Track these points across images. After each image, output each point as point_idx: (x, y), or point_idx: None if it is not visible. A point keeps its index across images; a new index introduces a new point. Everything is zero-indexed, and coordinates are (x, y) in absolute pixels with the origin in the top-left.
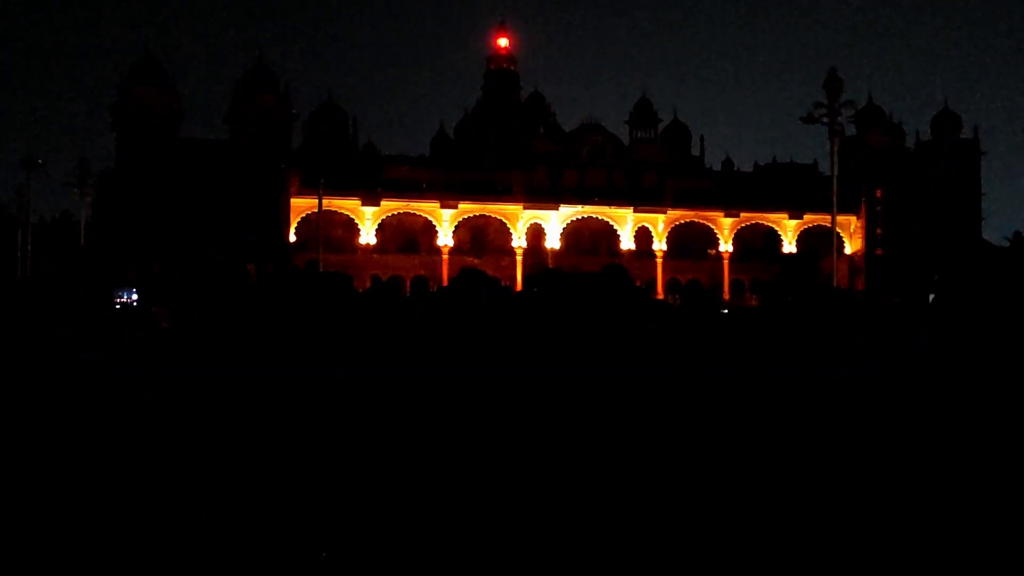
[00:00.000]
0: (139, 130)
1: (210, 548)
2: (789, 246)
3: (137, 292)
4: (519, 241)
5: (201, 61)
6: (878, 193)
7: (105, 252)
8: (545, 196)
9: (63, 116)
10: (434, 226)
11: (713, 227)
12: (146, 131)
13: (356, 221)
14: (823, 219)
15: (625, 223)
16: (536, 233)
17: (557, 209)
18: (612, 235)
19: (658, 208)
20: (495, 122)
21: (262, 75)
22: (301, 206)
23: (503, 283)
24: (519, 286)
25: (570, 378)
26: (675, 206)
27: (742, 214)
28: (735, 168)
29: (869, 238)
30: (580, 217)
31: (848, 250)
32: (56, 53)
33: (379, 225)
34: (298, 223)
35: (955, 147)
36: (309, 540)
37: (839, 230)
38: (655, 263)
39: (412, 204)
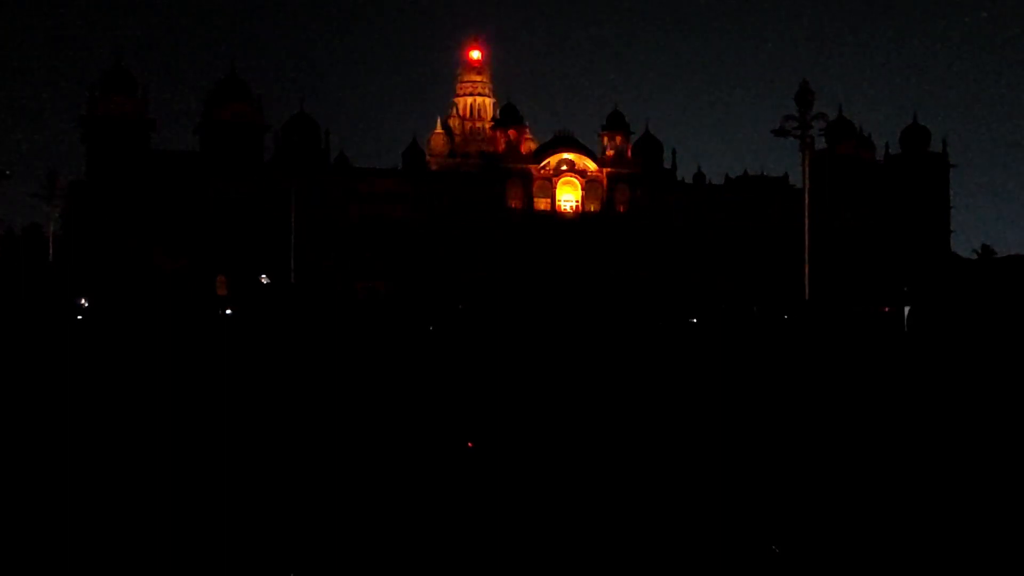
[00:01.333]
0: (109, 141)
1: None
2: None
3: (88, 300)
4: None
5: (172, 71)
6: None
7: (74, 263)
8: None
9: (32, 126)
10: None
11: None
12: (116, 142)
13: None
14: None
15: None
16: None
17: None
18: None
19: None
20: (467, 134)
21: (234, 85)
22: None
23: None
24: None
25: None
26: None
27: None
28: (707, 180)
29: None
30: None
31: None
32: (24, 61)
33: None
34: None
35: (924, 160)
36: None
37: None
38: None
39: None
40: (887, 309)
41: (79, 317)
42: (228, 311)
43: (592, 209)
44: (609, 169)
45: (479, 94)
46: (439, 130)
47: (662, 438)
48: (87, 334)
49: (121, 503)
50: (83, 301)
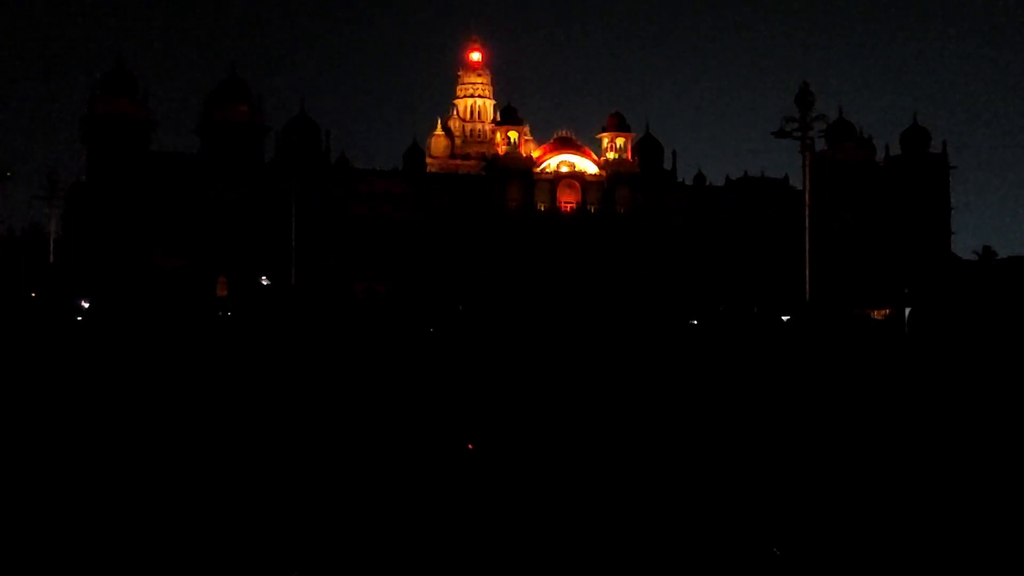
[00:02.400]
0: (110, 141)
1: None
2: None
3: (88, 301)
4: None
5: (173, 71)
6: None
7: (74, 264)
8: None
9: (32, 127)
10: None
11: None
12: (117, 142)
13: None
14: None
15: None
16: None
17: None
18: None
19: None
20: (467, 135)
21: (234, 86)
22: None
23: None
24: None
25: None
26: None
27: None
28: (707, 182)
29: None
30: None
31: None
32: (25, 62)
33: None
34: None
35: (924, 161)
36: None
37: None
38: None
39: None
40: (879, 314)
41: (79, 318)
42: (228, 312)
43: (592, 210)
44: (609, 170)
45: (479, 95)
46: (439, 131)
47: (663, 439)
48: (87, 335)
49: (122, 502)
50: (84, 303)
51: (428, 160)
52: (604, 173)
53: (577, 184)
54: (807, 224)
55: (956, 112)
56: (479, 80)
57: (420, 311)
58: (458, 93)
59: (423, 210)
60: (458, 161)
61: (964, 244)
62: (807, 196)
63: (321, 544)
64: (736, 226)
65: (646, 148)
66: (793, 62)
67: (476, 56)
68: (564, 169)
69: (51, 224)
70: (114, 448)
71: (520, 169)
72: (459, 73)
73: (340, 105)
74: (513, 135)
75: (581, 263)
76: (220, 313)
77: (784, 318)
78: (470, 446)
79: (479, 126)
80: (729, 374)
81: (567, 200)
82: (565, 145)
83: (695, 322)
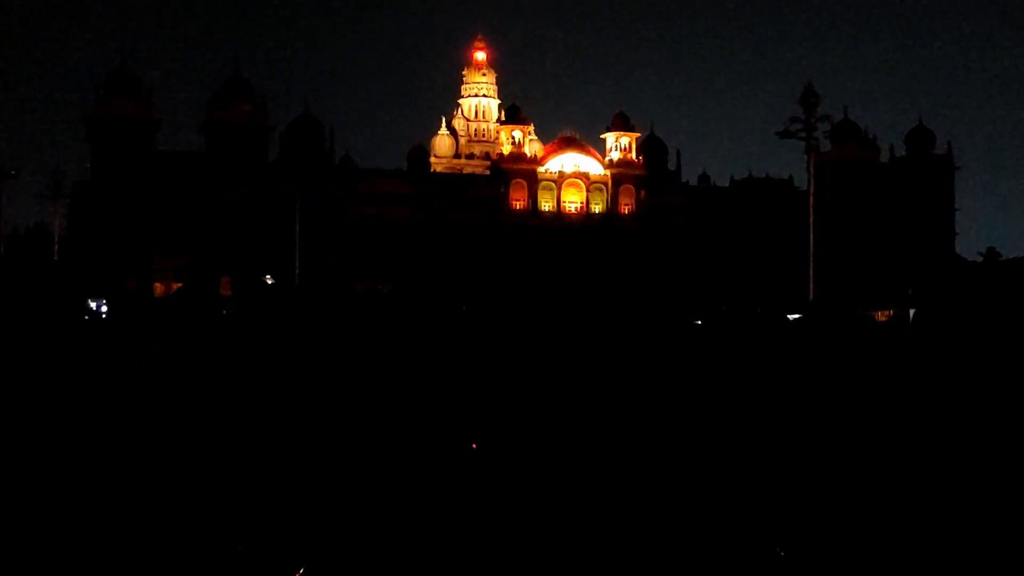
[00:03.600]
0: (114, 141)
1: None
2: None
3: (107, 303)
4: None
5: (177, 71)
6: None
7: (78, 263)
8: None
9: (36, 127)
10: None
11: None
12: (121, 142)
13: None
14: None
15: None
16: None
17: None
18: None
19: None
20: (471, 135)
21: (238, 85)
22: None
23: None
24: None
25: None
26: None
27: None
28: (711, 182)
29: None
30: None
31: None
32: (30, 62)
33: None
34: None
35: (929, 162)
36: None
37: None
38: None
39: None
40: (882, 315)
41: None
42: (230, 311)
43: (596, 210)
44: (613, 170)
45: (484, 95)
46: (443, 131)
47: (666, 440)
48: (92, 333)
49: (124, 503)
50: (91, 303)
51: (432, 159)
52: (608, 173)
53: (581, 184)
54: (811, 224)
55: (961, 113)
56: (483, 79)
57: (422, 311)
58: (462, 92)
59: (425, 210)
60: (462, 160)
61: (968, 245)
62: (811, 196)
63: (325, 542)
64: (739, 226)
65: (650, 148)
66: (798, 63)
67: (481, 55)
68: (568, 169)
69: (55, 223)
70: (115, 447)
71: (524, 169)
72: (463, 72)
73: (344, 105)
74: (518, 134)
75: (584, 263)
76: (224, 311)
77: (792, 316)
78: (474, 445)
79: (483, 125)
80: (733, 374)
81: (571, 200)
82: (569, 144)
83: (699, 322)
